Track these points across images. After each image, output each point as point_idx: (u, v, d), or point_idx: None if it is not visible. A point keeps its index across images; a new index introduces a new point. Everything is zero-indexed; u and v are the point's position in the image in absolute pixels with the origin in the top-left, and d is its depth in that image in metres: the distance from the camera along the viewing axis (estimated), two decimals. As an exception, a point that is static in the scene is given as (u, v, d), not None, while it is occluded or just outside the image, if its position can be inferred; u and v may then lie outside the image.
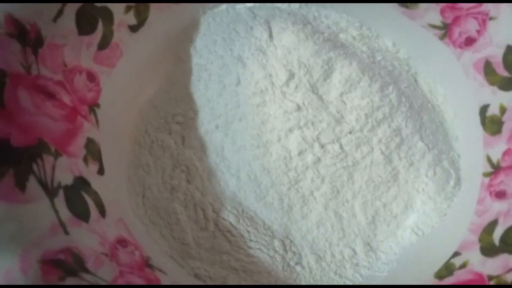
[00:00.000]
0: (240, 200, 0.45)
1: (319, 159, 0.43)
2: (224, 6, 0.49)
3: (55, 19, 0.37)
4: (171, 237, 0.44)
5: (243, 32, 0.46)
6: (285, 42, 0.43)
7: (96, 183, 0.39)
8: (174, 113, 0.48)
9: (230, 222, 0.44)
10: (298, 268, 0.44)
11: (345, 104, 0.43)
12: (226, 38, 0.47)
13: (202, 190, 0.45)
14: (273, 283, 0.43)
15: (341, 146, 0.43)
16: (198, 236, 0.44)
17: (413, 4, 0.45)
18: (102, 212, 0.38)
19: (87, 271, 0.32)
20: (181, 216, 0.44)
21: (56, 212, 0.33)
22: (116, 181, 0.43)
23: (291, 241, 0.45)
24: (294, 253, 0.45)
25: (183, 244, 0.43)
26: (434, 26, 0.45)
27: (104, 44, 0.42)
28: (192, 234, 0.44)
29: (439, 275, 0.40)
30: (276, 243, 0.44)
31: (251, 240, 0.44)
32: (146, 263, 0.38)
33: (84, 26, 0.40)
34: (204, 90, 0.47)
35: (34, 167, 0.33)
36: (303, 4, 0.48)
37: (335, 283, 0.44)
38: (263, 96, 0.43)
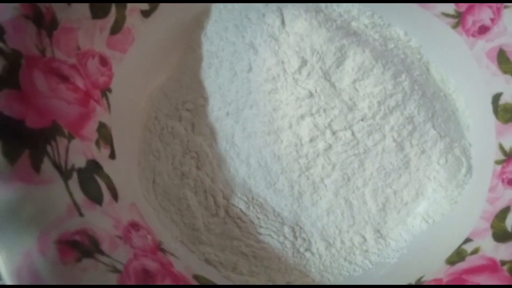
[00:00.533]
0: (250, 187, 0.45)
1: (330, 146, 0.43)
2: (236, -7, 0.48)
3: (69, 2, 0.37)
4: (181, 222, 0.44)
5: (255, 19, 0.46)
6: (298, 29, 0.43)
7: (108, 167, 0.39)
8: (184, 100, 0.48)
9: (240, 209, 0.44)
10: (307, 254, 0.44)
11: (358, 91, 0.43)
12: (238, 25, 0.46)
13: (212, 177, 0.45)
14: (283, 269, 0.43)
15: (353, 133, 0.43)
16: (209, 222, 0.44)
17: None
18: (115, 195, 0.38)
19: (102, 253, 0.32)
20: (192, 202, 0.44)
21: (71, 194, 0.33)
22: (127, 166, 0.43)
23: (301, 228, 0.45)
24: (304, 239, 0.45)
25: (193, 230, 0.44)
26: (447, 15, 0.45)
27: (116, 28, 0.42)
28: (203, 220, 0.44)
29: (450, 260, 0.40)
30: (286, 229, 0.44)
31: (261, 227, 0.44)
32: (159, 247, 0.39)
33: (98, 10, 0.40)
34: (215, 77, 0.47)
35: (49, 149, 0.33)
36: (315, -8, 0.48)
37: (345, 269, 0.44)
38: (275, 83, 0.43)
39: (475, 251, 0.39)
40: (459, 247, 0.40)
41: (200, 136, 0.46)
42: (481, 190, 0.43)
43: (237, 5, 0.48)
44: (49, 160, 0.33)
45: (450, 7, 0.45)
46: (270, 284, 0.42)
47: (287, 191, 0.44)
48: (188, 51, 0.50)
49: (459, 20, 0.45)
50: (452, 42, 0.45)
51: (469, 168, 0.45)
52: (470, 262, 0.38)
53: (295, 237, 0.45)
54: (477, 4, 0.43)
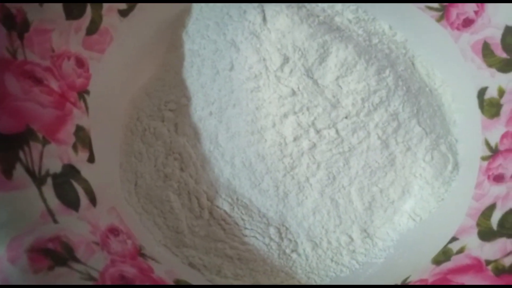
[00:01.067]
0: (235, 188, 0.44)
1: (314, 145, 0.42)
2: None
3: (41, 3, 0.36)
4: (164, 225, 0.43)
5: (236, 16, 0.45)
6: (279, 25, 0.42)
7: (86, 171, 0.38)
8: (167, 100, 0.47)
9: (224, 210, 0.44)
10: (294, 255, 0.44)
11: (341, 88, 0.42)
12: (219, 22, 0.45)
13: (196, 178, 0.44)
14: (268, 271, 0.43)
15: (337, 131, 0.42)
16: (193, 225, 0.43)
17: (410, -14, 0.44)
18: (93, 200, 0.37)
19: (77, 260, 0.31)
20: (175, 204, 0.43)
21: (44, 200, 0.32)
22: (108, 169, 0.42)
23: (287, 229, 0.44)
24: (290, 240, 0.44)
25: (177, 233, 0.43)
26: (431, 8, 0.44)
27: (93, 29, 0.41)
28: (186, 222, 0.43)
29: (437, 260, 0.39)
30: (272, 230, 0.43)
31: (246, 228, 0.44)
32: (139, 252, 0.38)
33: (72, 10, 0.39)
34: (197, 76, 0.46)
35: (21, 154, 0.32)
36: (297, -13, 0.47)
37: (332, 270, 0.43)
38: (257, 81, 0.42)
39: (461, 250, 0.38)
40: (445, 246, 0.40)
41: (183, 136, 0.46)
42: (467, 186, 0.42)
43: (218, 2, 0.47)
44: (22, 166, 0.32)
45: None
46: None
47: (272, 191, 0.44)
48: (170, 50, 0.49)
49: (443, 13, 0.44)
50: (437, 36, 0.44)
51: (456, 165, 0.44)
52: (455, 261, 0.37)
53: (281, 238, 0.44)
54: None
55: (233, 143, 0.44)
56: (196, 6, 0.48)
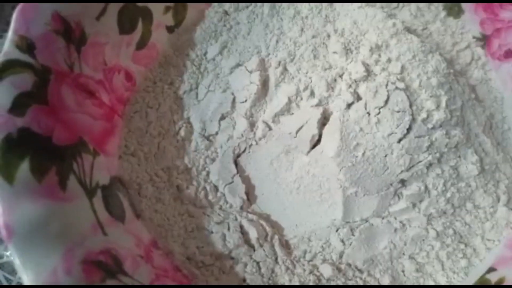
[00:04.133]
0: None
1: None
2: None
3: (98, 18, 0.37)
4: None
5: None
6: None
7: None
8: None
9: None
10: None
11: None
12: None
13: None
14: None
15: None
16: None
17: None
18: (137, 213, 0.38)
19: (125, 273, 0.31)
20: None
21: (95, 212, 0.33)
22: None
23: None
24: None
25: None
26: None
27: (142, 44, 0.42)
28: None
29: (474, 290, 0.39)
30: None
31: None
32: (177, 266, 0.38)
33: (125, 25, 0.40)
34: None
35: (74, 166, 0.33)
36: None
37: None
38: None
39: (500, 282, 0.38)
40: (482, 276, 0.40)
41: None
42: (505, 217, 0.42)
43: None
44: (75, 177, 0.32)
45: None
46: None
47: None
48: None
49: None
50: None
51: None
52: (496, 292, 0.37)
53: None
54: (503, 28, 0.43)
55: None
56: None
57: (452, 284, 0.41)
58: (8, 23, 0.31)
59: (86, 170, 0.34)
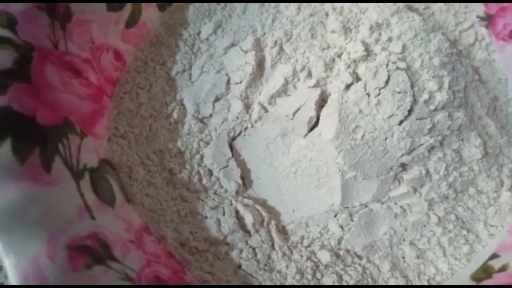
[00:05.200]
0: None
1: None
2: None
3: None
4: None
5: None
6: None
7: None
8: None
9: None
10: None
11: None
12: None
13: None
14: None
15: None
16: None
17: None
18: (127, 196, 0.37)
19: (114, 259, 0.30)
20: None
21: (82, 195, 0.31)
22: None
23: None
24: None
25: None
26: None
27: (132, 22, 0.41)
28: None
29: (476, 277, 0.38)
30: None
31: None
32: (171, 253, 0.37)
33: (113, 2, 0.38)
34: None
35: (60, 147, 0.31)
36: None
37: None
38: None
39: (503, 268, 0.37)
40: (485, 263, 0.38)
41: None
42: (509, 202, 0.40)
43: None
44: (61, 159, 0.31)
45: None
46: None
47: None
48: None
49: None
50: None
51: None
52: (497, 280, 0.36)
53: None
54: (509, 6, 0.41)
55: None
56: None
57: (453, 269, 0.40)
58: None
59: (72, 152, 0.32)
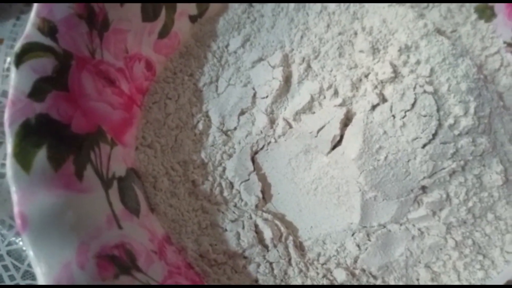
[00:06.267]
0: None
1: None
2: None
3: (122, 3, 0.36)
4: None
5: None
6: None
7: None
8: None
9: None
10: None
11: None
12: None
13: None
14: None
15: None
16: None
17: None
18: (151, 206, 0.37)
19: (139, 269, 0.30)
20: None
21: (110, 204, 0.32)
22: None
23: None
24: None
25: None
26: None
27: (164, 32, 0.41)
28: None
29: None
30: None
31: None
32: (190, 265, 0.37)
33: (149, 12, 0.38)
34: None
35: (92, 155, 0.32)
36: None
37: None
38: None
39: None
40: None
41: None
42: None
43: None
44: (92, 167, 0.31)
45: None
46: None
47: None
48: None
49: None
50: None
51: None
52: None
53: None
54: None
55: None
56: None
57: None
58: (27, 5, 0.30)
59: (103, 161, 0.33)
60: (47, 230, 0.27)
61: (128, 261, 0.30)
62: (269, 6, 0.47)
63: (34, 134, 0.28)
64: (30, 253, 0.26)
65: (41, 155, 0.28)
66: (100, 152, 0.33)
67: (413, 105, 0.40)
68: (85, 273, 0.27)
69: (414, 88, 0.40)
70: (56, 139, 0.29)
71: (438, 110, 0.40)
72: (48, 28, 0.30)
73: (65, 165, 0.29)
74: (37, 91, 0.29)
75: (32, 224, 0.26)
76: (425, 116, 0.40)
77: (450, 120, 0.40)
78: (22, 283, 0.43)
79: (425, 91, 0.40)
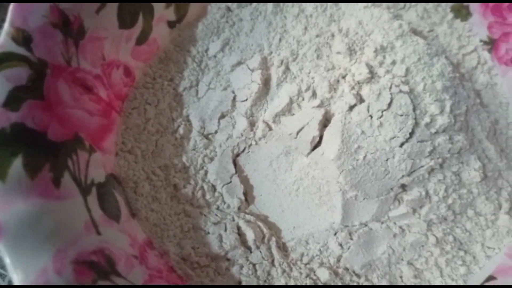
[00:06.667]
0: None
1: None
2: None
3: (97, 11, 0.36)
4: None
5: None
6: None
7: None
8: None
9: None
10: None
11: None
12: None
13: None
14: None
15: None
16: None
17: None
18: (132, 211, 0.37)
19: (118, 274, 0.31)
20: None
21: (89, 210, 0.32)
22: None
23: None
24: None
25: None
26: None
27: (142, 39, 0.41)
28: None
29: (473, 299, 0.39)
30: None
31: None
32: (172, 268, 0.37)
33: (126, 19, 0.39)
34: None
35: (69, 162, 0.32)
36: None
37: None
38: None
39: (501, 291, 0.37)
40: (481, 284, 0.39)
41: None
42: (507, 225, 0.41)
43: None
44: (69, 174, 0.32)
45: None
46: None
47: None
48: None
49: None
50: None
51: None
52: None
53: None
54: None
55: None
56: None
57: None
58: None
59: (81, 167, 0.33)
60: (23, 238, 0.27)
61: (107, 266, 0.30)
62: (248, 10, 0.47)
63: (10, 143, 0.28)
64: (7, 261, 0.26)
65: (17, 164, 0.28)
66: (78, 159, 0.33)
67: (389, 104, 0.41)
68: (62, 278, 0.27)
69: (390, 88, 0.41)
70: (32, 147, 0.29)
71: (414, 109, 0.41)
72: (23, 37, 0.31)
73: (42, 173, 0.30)
74: (12, 100, 0.29)
75: (8, 233, 0.26)
76: (401, 115, 0.40)
77: (427, 119, 0.41)
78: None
79: (401, 91, 0.41)
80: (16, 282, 0.26)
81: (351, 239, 0.42)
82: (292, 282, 0.40)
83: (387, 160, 0.41)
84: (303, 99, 0.43)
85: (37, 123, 0.30)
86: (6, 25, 0.31)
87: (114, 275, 0.30)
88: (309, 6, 0.46)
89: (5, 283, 0.44)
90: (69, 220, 0.30)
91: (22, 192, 0.28)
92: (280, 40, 0.46)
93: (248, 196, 0.44)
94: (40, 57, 0.31)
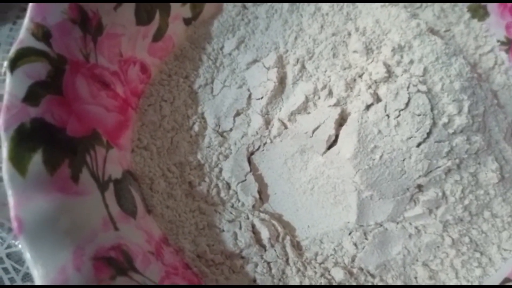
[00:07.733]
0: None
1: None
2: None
3: (115, 8, 0.36)
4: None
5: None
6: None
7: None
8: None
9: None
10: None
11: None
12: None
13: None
14: None
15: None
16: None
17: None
18: (148, 207, 0.37)
19: (135, 270, 0.31)
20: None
21: (107, 206, 0.32)
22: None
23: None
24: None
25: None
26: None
27: (158, 36, 0.41)
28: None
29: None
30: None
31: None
32: (188, 265, 0.37)
33: (142, 16, 0.39)
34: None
35: (87, 158, 0.32)
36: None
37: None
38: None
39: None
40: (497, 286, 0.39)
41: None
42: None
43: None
44: (88, 170, 0.32)
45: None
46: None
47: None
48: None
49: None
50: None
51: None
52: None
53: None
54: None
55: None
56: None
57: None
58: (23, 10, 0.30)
59: (99, 163, 0.33)
60: (43, 234, 0.27)
61: (125, 262, 0.30)
62: (263, 8, 0.47)
63: (29, 139, 0.28)
64: (27, 256, 0.26)
65: (36, 159, 0.28)
66: (96, 155, 0.33)
67: (407, 104, 0.40)
68: (81, 275, 0.27)
69: (408, 87, 0.40)
70: (51, 143, 0.29)
71: (432, 109, 0.40)
72: (42, 33, 0.31)
73: (61, 169, 0.29)
74: (31, 96, 0.29)
75: (28, 228, 0.26)
76: (419, 115, 0.40)
77: (444, 119, 0.40)
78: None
79: (418, 91, 0.40)
80: (36, 277, 0.26)
81: (366, 239, 0.42)
82: (306, 281, 0.39)
83: (403, 160, 0.40)
84: (319, 98, 0.43)
85: (57, 118, 0.30)
86: (26, 20, 0.31)
87: (132, 271, 0.30)
88: (325, 5, 0.46)
89: (19, 277, 0.45)
90: (87, 216, 0.30)
91: (41, 188, 0.28)
92: (296, 38, 0.45)
93: (262, 195, 0.44)
94: (59, 52, 0.31)
